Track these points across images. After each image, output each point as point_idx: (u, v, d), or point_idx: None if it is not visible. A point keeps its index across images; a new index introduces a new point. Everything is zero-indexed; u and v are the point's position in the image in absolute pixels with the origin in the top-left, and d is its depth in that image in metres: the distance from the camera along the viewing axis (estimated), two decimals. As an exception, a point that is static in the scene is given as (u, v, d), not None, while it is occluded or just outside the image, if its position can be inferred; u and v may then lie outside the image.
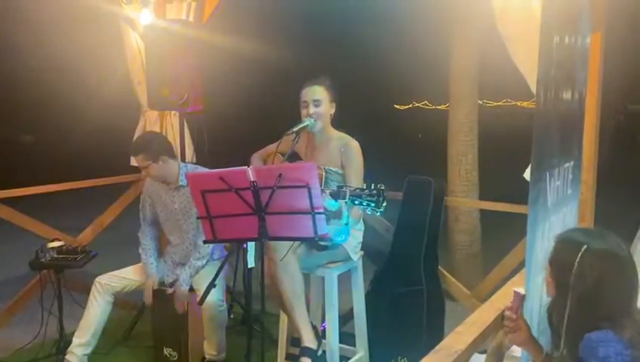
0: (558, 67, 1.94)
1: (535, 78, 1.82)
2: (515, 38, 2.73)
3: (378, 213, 2.26)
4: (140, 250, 3.23)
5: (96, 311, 3.10)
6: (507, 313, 1.68)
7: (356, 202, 2.28)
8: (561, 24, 1.95)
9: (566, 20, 2.01)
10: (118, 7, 3.82)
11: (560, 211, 2.16)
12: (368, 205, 2.25)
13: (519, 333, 1.68)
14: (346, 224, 2.72)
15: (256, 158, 3.07)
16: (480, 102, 5.08)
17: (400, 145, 19.03)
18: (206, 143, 3.94)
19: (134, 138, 4.04)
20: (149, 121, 4.02)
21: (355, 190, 2.30)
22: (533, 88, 2.71)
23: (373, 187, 2.26)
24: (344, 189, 2.32)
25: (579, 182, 2.45)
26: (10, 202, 3.59)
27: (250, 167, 2.19)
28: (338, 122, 2.91)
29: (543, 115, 1.86)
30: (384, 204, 2.24)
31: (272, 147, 2.99)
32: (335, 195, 2.34)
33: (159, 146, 3.10)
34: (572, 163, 2.28)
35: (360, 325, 2.99)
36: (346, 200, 2.31)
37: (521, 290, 1.67)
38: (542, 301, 1.88)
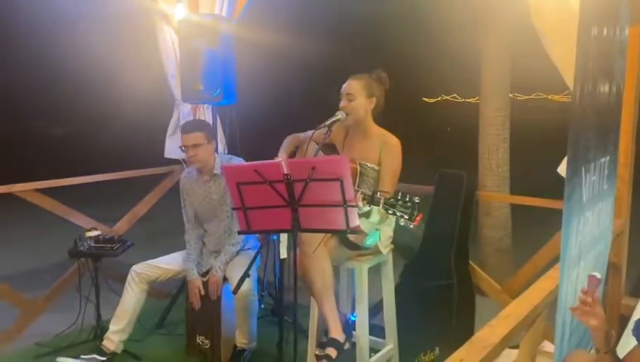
0: (595, 60, 1.91)
1: (571, 71, 1.79)
2: (551, 31, 2.69)
3: (411, 226, 2.24)
4: (185, 255, 3.27)
5: (132, 299, 3.18)
6: (582, 296, 1.68)
7: (390, 211, 2.26)
8: (599, 15, 1.92)
9: (604, 12, 1.98)
10: (153, 2, 3.90)
11: (595, 207, 2.13)
12: (402, 216, 2.23)
13: (594, 317, 1.68)
14: (377, 229, 2.73)
15: (290, 140, 3.05)
16: (510, 95, 5.02)
17: (428, 138, 18.90)
18: (238, 136, 4.00)
19: (167, 135, 4.13)
20: (183, 114, 4.09)
21: (389, 199, 2.27)
22: (569, 82, 2.68)
23: (408, 198, 2.24)
24: (378, 196, 2.31)
25: (615, 178, 2.41)
26: (49, 192, 3.70)
27: (284, 160, 2.22)
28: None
29: (579, 109, 1.83)
30: (419, 218, 2.21)
31: (307, 135, 3.00)
32: (369, 201, 2.34)
33: (211, 130, 3.25)
34: (608, 158, 2.24)
35: (389, 318, 3.01)
36: (380, 207, 2.31)
37: (597, 274, 1.67)
38: (576, 296, 1.87)
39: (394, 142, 2.77)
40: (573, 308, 1.71)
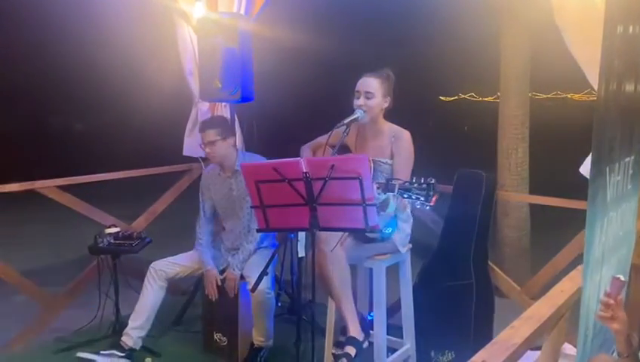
0: (621, 58, 1.88)
1: (594, 69, 1.77)
2: (573, 28, 2.65)
3: (428, 207, 2.23)
4: (197, 246, 3.31)
5: (151, 296, 3.21)
6: (604, 299, 1.65)
7: (405, 195, 2.27)
8: (625, 13, 1.89)
9: (630, 9, 1.94)
10: (172, 0, 3.92)
11: (619, 207, 2.10)
12: (418, 199, 2.23)
13: (616, 321, 1.65)
14: (394, 217, 2.72)
15: (305, 150, 3.11)
16: (529, 94, 4.98)
17: (445, 137, 18.80)
18: (255, 134, 4.01)
19: (186, 132, 4.15)
20: (201, 112, 4.10)
21: (404, 183, 2.28)
22: (592, 80, 2.64)
23: (423, 181, 2.25)
24: (393, 182, 2.31)
25: (639, 178, 2.37)
26: (70, 189, 3.74)
27: (303, 158, 2.22)
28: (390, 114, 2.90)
29: (603, 108, 1.80)
30: (434, 198, 2.22)
31: (322, 139, 3.02)
32: (384, 188, 2.33)
33: (229, 127, 3.29)
34: (632, 157, 2.20)
35: (407, 317, 3.00)
36: (395, 193, 2.30)
37: (621, 276, 1.64)
38: (599, 298, 1.84)
39: (405, 135, 2.79)
40: (598, 314, 1.68)
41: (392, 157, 2.77)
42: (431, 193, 2.22)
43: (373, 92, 2.74)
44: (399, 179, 2.35)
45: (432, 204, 2.23)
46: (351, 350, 2.59)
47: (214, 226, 3.42)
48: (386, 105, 2.80)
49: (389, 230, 2.73)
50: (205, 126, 3.22)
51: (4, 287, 3.80)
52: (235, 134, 3.29)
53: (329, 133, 2.84)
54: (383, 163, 2.77)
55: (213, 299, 3.21)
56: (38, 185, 3.56)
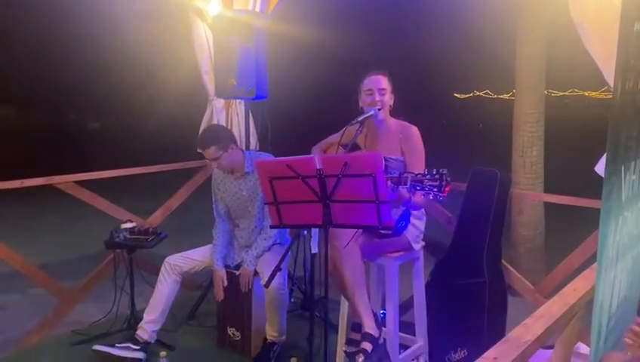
0: (637, 57, 1.86)
1: (610, 67, 1.75)
2: (590, 25, 2.63)
3: (441, 198, 2.23)
4: (212, 247, 3.33)
5: (165, 290, 3.24)
6: (636, 328, 1.64)
7: (418, 188, 2.26)
8: (642, 11, 1.87)
9: (647, 7, 1.92)
10: (188, -2, 3.95)
11: (634, 206, 2.08)
12: (431, 190, 2.23)
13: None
14: (407, 209, 2.72)
15: (316, 151, 3.11)
16: (545, 91, 4.94)
17: (459, 135, 18.71)
18: (269, 132, 4.03)
19: (201, 129, 4.18)
20: (216, 110, 4.13)
21: (416, 176, 2.28)
22: (608, 78, 2.62)
23: (435, 171, 2.24)
24: (405, 175, 2.32)
25: (655, 177, 2.35)
26: (86, 184, 3.80)
27: (317, 155, 2.23)
28: (398, 111, 2.92)
29: (619, 107, 1.79)
30: (447, 189, 2.21)
31: (333, 138, 3.03)
32: (396, 182, 2.34)
33: (226, 136, 3.20)
34: (649, 156, 2.18)
35: (420, 315, 3.00)
36: (408, 186, 2.30)
37: None
38: (613, 297, 1.83)
39: (412, 130, 2.81)
40: (625, 339, 1.67)
41: (402, 153, 2.79)
42: (443, 183, 2.21)
43: (385, 88, 2.78)
44: (411, 172, 2.34)
45: (444, 194, 2.21)
46: (367, 346, 2.59)
47: (231, 227, 3.43)
48: (392, 102, 2.85)
49: (402, 223, 2.73)
50: (204, 143, 3.10)
51: (22, 280, 3.88)
52: (235, 139, 3.25)
53: (341, 132, 2.85)
54: (394, 160, 2.78)
55: (219, 300, 3.27)
56: (55, 180, 3.62)
